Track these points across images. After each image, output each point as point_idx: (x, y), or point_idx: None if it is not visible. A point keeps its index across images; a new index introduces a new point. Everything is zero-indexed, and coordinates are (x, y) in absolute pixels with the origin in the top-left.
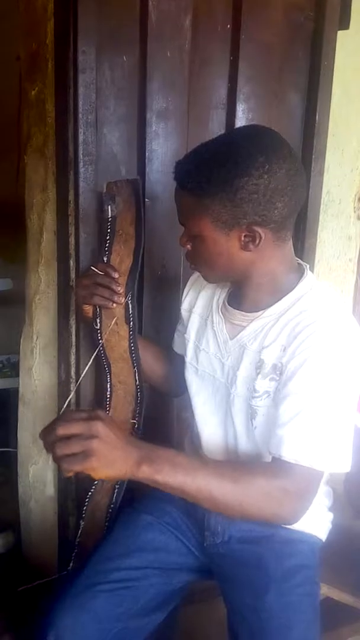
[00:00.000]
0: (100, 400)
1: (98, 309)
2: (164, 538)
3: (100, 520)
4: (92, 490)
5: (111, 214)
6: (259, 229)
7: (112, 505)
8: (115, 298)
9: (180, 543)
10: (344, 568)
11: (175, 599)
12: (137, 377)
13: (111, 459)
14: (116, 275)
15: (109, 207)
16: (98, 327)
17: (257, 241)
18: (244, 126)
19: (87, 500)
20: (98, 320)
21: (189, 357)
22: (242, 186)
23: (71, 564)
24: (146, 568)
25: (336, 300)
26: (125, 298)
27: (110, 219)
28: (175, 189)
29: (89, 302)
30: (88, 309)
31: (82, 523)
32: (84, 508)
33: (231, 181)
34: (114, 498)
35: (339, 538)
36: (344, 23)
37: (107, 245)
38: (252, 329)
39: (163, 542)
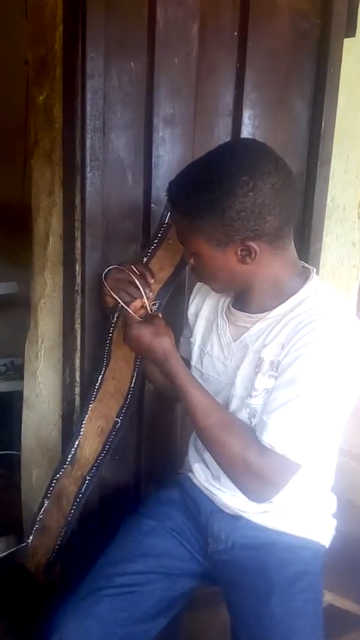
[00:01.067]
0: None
1: (120, 305)
2: (167, 543)
3: (66, 508)
4: (60, 472)
5: (168, 220)
6: (252, 244)
7: (80, 495)
8: (137, 302)
9: (183, 549)
10: (348, 575)
11: (178, 605)
12: (133, 382)
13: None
14: (152, 281)
15: (169, 213)
16: (113, 322)
17: (253, 255)
18: (228, 143)
19: (54, 480)
20: (116, 315)
21: (194, 360)
22: (229, 206)
23: (30, 538)
24: (150, 573)
25: (341, 302)
26: (153, 306)
27: (165, 225)
28: (172, 210)
29: (114, 294)
30: (110, 301)
31: (45, 502)
32: (50, 488)
33: (218, 202)
34: (83, 488)
35: (343, 545)
36: (350, 31)
37: (151, 248)
38: (256, 330)
39: (167, 548)
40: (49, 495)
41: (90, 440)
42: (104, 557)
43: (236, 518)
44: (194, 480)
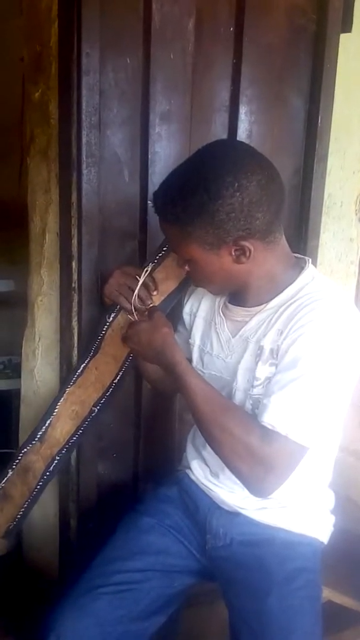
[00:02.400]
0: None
1: (118, 307)
2: (165, 540)
3: (32, 482)
4: (28, 447)
5: None
6: (245, 243)
7: (47, 473)
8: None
9: (181, 546)
10: (346, 571)
11: (176, 602)
12: (117, 378)
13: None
14: (155, 293)
15: None
16: (109, 321)
17: (248, 253)
18: (207, 146)
19: (20, 453)
20: (113, 315)
21: (195, 361)
22: (218, 209)
23: None
24: (148, 571)
25: (337, 288)
26: None
27: None
28: (159, 219)
29: (114, 298)
30: (108, 301)
31: (9, 472)
32: (16, 460)
33: (206, 207)
34: (52, 467)
35: (341, 541)
36: (347, 26)
37: (158, 256)
38: (254, 323)
39: (164, 545)
40: (14, 466)
41: (62, 422)
42: (101, 555)
43: (234, 514)
44: (192, 477)
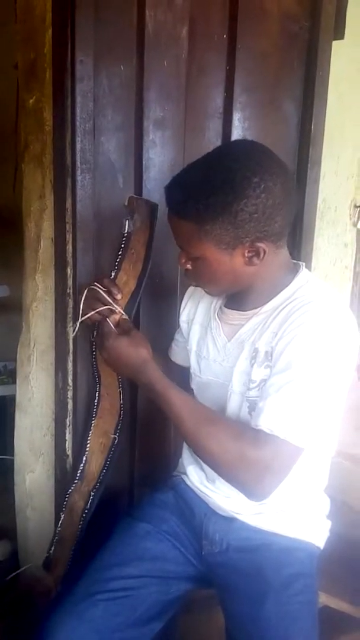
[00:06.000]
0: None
1: (97, 323)
2: (162, 546)
3: (76, 521)
4: (72, 487)
5: (127, 229)
6: (261, 244)
7: (86, 510)
8: (112, 318)
9: (178, 552)
10: (343, 576)
11: (173, 608)
12: (121, 397)
13: (120, 361)
14: (119, 297)
15: (127, 221)
16: (93, 339)
17: (262, 255)
18: (230, 144)
19: (67, 496)
20: (95, 333)
21: (193, 367)
22: (242, 209)
23: (52, 549)
24: (144, 577)
25: (331, 291)
26: (123, 320)
27: (125, 235)
28: (169, 215)
29: (86, 314)
30: (87, 320)
31: (62, 515)
32: (64, 502)
33: (230, 206)
34: (89, 504)
35: (337, 546)
36: (339, 33)
37: (117, 260)
38: (250, 326)
39: (161, 551)
40: (63, 509)
41: (95, 456)
42: (98, 561)
43: (231, 520)
44: (188, 483)
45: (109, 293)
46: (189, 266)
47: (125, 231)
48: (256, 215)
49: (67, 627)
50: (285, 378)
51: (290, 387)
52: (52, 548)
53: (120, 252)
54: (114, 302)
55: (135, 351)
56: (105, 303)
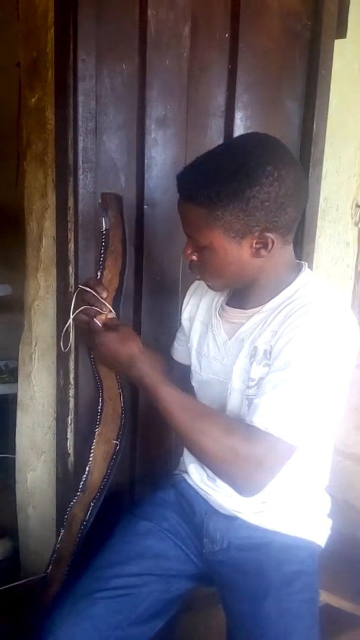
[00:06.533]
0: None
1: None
2: (163, 545)
3: (74, 534)
4: (74, 500)
5: (105, 227)
6: (270, 235)
7: (84, 522)
8: (98, 317)
9: (179, 550)
10: (343, 575)
11: (174, 606)
12: (121, 400)
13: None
14: (104, 295)
15: (104, 219)
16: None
17: (270, 246)
18: (244, 135)
19: (68, 509)
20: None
21: (193, 365)
22: (254, 195)
23: (49, 568)
24: (145, 575)
25: (332, 290)
26: (109, 318)
27: (104, 232)
28: (180, 201)
29: (73, 316)
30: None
31: (62, 531)
32: (65, 517)
33: (242, 192)
34: (88, 515)
35: (338, 544)
36: (341, 32)
37: (101, 260)
38: (250, 324)
39: (162, 549)
40: (64, 524)
41: (98, 465)
42: (99, 559)
43: (231, 518)
44: (189, 481)
45: (96, 292)
46: (194, 257)
47: (104, 229)
48: (268, 203)
49: (68, 625)
50: (283, 376)
51: (287, 385)
52: (50, 567)
53: (102, 251)
54: (98, 301)
55: (123, 346)
56: (91, 304)
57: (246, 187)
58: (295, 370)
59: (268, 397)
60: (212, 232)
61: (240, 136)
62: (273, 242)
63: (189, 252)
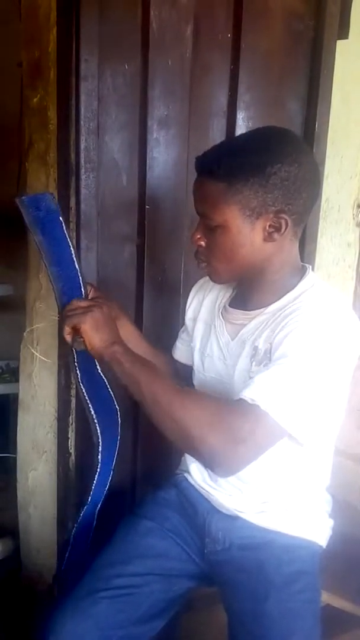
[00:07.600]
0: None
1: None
2: (165, 544)
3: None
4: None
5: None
6: (285, 216)
7: (75, 525)
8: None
9: (180, 549)
10: (345, 575)
11: (176, 606)
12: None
13: (100, 327)
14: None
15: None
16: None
17: (283, 229)
18: (263, 127)
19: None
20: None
21: (196, 364)
22: (275, 172)
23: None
24: (147, 574)
25: (337, 295)
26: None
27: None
28: (198, 180)
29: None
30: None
31: (76, 526)
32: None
33: (264, 167)
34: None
35: (340, 545)
36: (343, 32)
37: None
38: (253, 325)
39: (164, 548)
40: (78, 519)
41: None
42: (101, 559)
43: (233, 518)
44: (191, 481)
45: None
46: (202, 242)
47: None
48: (287, 182)
49: (69, 624)
50: (279, 362)
51: (281, 367)
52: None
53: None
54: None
55: (108, 322)
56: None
57: (268, 163)
58: (292, 358)
59: (261, 375)
60: (229, 208)
61: (258, 128)
62: (287, 225)
63: (198, 236)
